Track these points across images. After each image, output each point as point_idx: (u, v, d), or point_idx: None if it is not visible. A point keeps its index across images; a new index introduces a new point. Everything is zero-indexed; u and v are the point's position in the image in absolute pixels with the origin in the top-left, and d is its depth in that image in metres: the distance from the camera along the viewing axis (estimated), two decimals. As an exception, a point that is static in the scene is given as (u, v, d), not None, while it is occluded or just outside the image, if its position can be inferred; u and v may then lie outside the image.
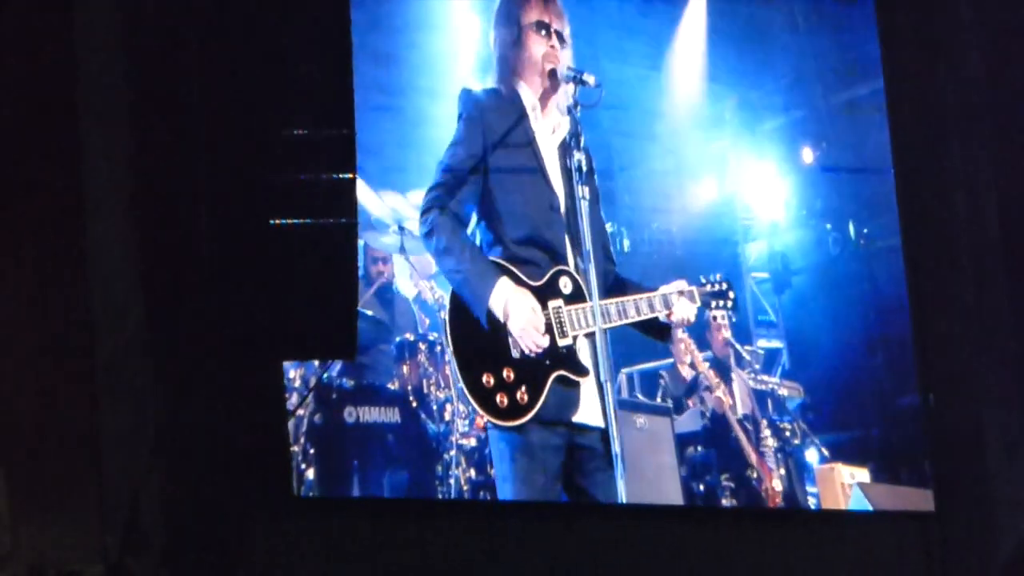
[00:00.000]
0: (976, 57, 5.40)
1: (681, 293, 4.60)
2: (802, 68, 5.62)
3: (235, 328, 3.74)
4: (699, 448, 5.11)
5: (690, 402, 5.21)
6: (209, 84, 3.79)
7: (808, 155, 5.73)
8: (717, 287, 4.68)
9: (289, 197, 3.68)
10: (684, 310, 4.57)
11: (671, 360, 5.20)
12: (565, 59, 4.55)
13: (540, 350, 4.34)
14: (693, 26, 5.44)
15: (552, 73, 4.49)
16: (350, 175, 3.75)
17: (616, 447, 4.17)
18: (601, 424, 4.26)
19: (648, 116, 5.35)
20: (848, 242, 5.64)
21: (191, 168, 3.79)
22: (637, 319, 4.53)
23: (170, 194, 3.78)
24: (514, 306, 4.35)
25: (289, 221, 3.67)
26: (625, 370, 5.12)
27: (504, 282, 4.36)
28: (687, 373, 5.21)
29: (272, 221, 3.66)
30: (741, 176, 5.61)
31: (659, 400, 5.17)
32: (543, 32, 4.53)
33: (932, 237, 5.35)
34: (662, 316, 4.58)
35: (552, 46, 4.53)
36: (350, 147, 3.77)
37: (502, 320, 4.36)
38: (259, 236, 3.69)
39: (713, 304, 4.67)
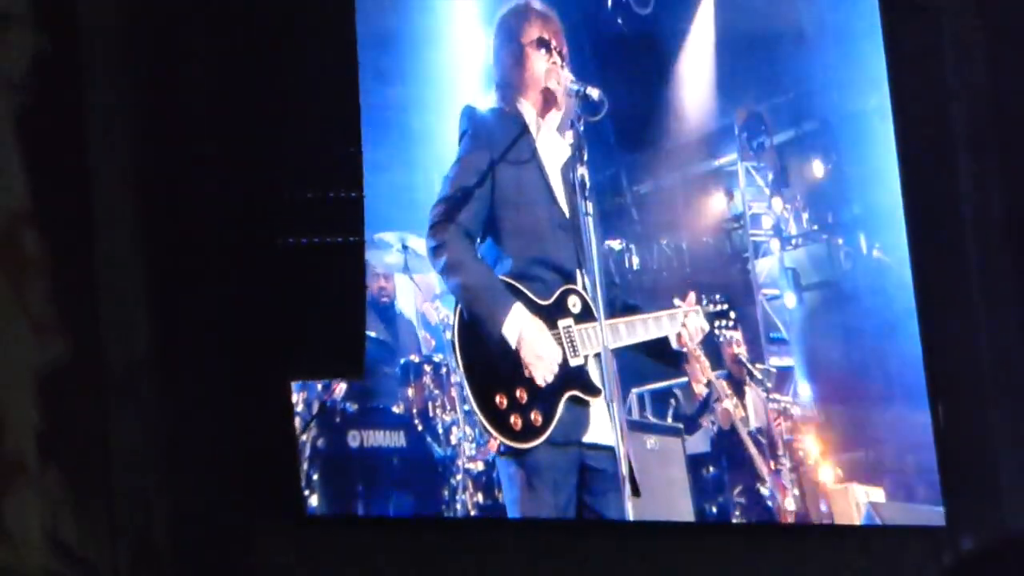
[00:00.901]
0: (982, 67, 5.57)
1: (693, 311, 4.81)
2: (810, 81, 5.73)
3: (243, 346, 3.88)
4: (711, 468, 5.20)
5: (703, 421, 5.29)
6: (215, 103, 3.93)
7: (819, 168, 5.85)
8: (719, 307, 4.90)
9: (295, 216, 3.82)
10: (695, 322, 4.79)
11: (685, 379, 5.26)
12: (566, 76, 4.68)
13: (552, 378, 4.48)
14: (700, 40, 5.55)
15: (548, 92, 4.66)
16: (356, 193, 3.88)
17: (623, 469, 4.30)
18: (612, 443, 4.39)
19: (656, 131, 5.44)
20: (860, 256, 5.74)
21: (198, 187, 3.93)
22: (647, 338, 4.71)
23: (177, 212, 3.90)
24: (529, 334, 4.48)
25: (296, 240, 3.81)
26: (635, 390, 5.19)
27: (519, 309, 4.50)
28: (701, 391, 5.30)
29: (279, 240, 3.80)
30: (751, 191, 5.70)
31: (670, 421, 5.24)
32: (543, 49, 4.68)
33: (940, 250, 5.50)
34: (672, 336, 4.77)
35: (553, 62, 4.68)
36: (356, 165, 3.90)
37: (515, 347, 4.49)
38: (266, 254, 3.83)
39: (716, 324, 4.87)
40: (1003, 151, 5.57)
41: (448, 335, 4.62)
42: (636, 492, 4.39)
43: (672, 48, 5.50)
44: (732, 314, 4.95)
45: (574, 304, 4.58)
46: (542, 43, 4.70)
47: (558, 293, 4.58)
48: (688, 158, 5.56)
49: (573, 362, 4.53)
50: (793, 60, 5.68)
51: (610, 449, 4.40)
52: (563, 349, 4.54)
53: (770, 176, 5.76)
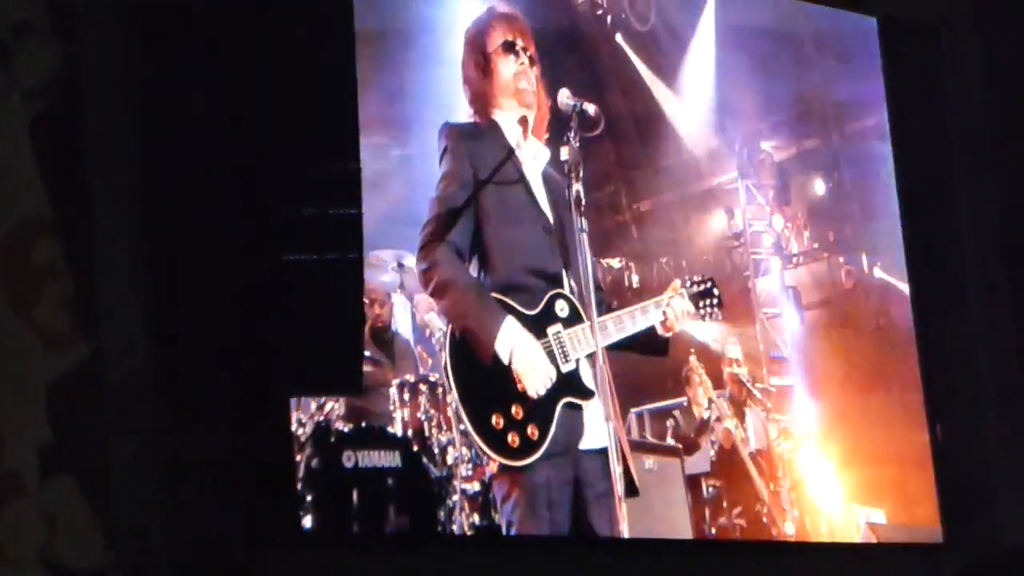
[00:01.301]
0: (982, 85, 5.67)
1: (678, 294, 4.86)
2: (812, 99, 5.84)
3: (240, 362, 3.93)
4: (710, 489, 5.27)
5: (702, 441, 5.35)
6: (214, 120, 3.99)
7: (820, 187, 5.93)
8: (702, 287, 4.93)
9: (294, 232, 3.90)
10: (680, 309, 4.82)
11: (683, 399, 5.36)
12: (535, 78, 4.78)
13: (545, 390, 4.55)
14: (700, 58, 5.64)
15: (520, 95, 4.75)
16: (355, 210, 3.96)
17: (617, 467, 4.33)
18: (606, 444, 4.42)
19: (656, 149, 5.52)
20: (862, 275, 5.82)
21: (197, 203, 3.98)
22: (634, 331, 4.76)
23: (177, 230, 3.96)
24: (521, 348, 4.55)
25: (294, 256, 3.88)
26: (634, 410, 5.25)
27: (510, 323, 4.58)
28: (700, 413, 5.36)
29: (277, 256, 3.87)
30: (751, 209, 5.78)
31: (669, 440, 5.28)
32: (510, 54, 4.76)
33: (939, 269, 5.60)
34: (658, 324, 4.81)
35: (521, 64, 4.76)
36: (355, 182, 3.98)
37: (507, 363, 4.56)
38: (264, 271, 3.90)
39: (701, 304, 4.90)
40: (1001, 170, 5.65)
41: (443, 356, 4.66)
42: (634, 492, 4.47)
43: (672, 65, 5.57)
44: (716, 291, 4.95)
45: (561, 309, 4.66)
46: (508, 46, 4.76)
47: (545, 300, 4.66)
48: (688, 176, 5.62)
49: (565, 368, 4.61)
50: (793, 78, 5.78)
51: (605, 450, 4.44)
52: (555, 356, 4.61)
53: (771, 194, 5.83)
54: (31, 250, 3.66)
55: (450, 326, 4.61)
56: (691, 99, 5.62)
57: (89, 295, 3.70)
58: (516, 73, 4.77)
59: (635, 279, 5.46)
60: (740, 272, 5.74)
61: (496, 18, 4.84)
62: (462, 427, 4.66)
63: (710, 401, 5.35)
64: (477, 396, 4.54)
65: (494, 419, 4.52)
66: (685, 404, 5.38)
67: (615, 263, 5.37)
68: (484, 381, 4.57)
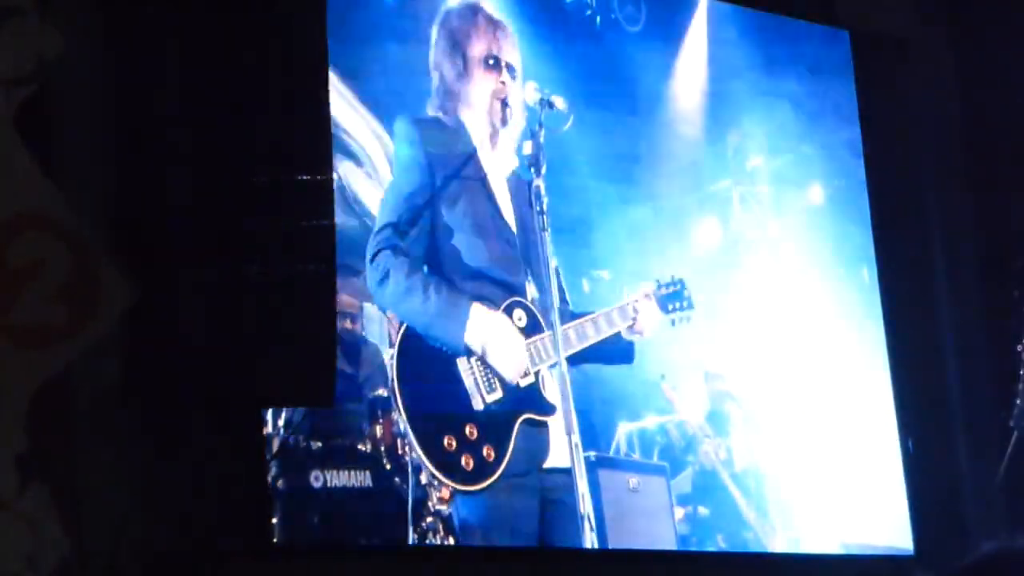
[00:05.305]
0: (955, 99, 6.18)
1: (645, 296, 5.08)
2: (809, 105, 6.30)
3: (213, 376, 4.29)
4: (695, 511, 5.57)
5: (689, 459, 5.63)
6: (184, 131, 4.34)
7: (817, 195, 6.33)
8: (671, 288, 5.17)
9: (266, 244, 4.29)
10: (649, 313, 5.07)
11: (673, 417, 5.59)
12: (517, 91, 5.01)
13: (522, 379, 4.80)
14: (692, 63, 6.04)
15: (496, 108, 5.02)
16: (328, 220, 4.38)
17: (583, 500, 4.62)
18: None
19: (647, 153, 5.87)
20: (863, 288, 6.24)
21: (166, 216, 4.35)
22: (598, 338, 5.01)
23: (146, 243, 4.31)
24: (495, 337, 4.83)
25: (267, 267, 4.27)
26: (625, 429, 5.44)
27: (478, 309, 4.84)
28: (687, 429, 5.61)
29: (250, 267, 4.26)
30: (745, 219, 6.12)
31: (656, 459, 5.52)
32: (492, 66, 5.02)
33: (910, 283, 6.13)
34: (624, 331, 5.05)
35: (502, 81, 5.02)
36: (327, 193, 4.41)
37: (480, 353, 4.84)
38: (237, 284, 4.28)
39: (671, 307, 5.13)
40: (973, 184, 6.17)
41: (390, 375, 4.83)
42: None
43: (662, 70, 5.95)
44: (686, 293, 5.16)
45: (519, 318, 4.92)
46: (491, 61, 5.01)
47: (503, 308, 4.92)
48: (679, 184, 5.93)
49: (523, 382, 4.86)
50: (768, 92, 6.20)
51: (570, 471, 4.68)
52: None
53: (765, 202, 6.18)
54: (7, 249, 3.94)
55: (399, 337, 4.83)
56: (683, 103, 5.99)
57: (69, 299, 4.00)
58: (495, 90, 5.04)
59: (627, 291, 5.62)
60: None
61: (482, 21, 5.07)
62: (415, 455, 4.80)
63: (691, 419, 5.62)
64: (427, 418, 4.76)
65: (446, 441, 4.75)
66: (672, 420, 5.59)
67: (605, 276, 5.49)
68: (434, 399, 4.82)
